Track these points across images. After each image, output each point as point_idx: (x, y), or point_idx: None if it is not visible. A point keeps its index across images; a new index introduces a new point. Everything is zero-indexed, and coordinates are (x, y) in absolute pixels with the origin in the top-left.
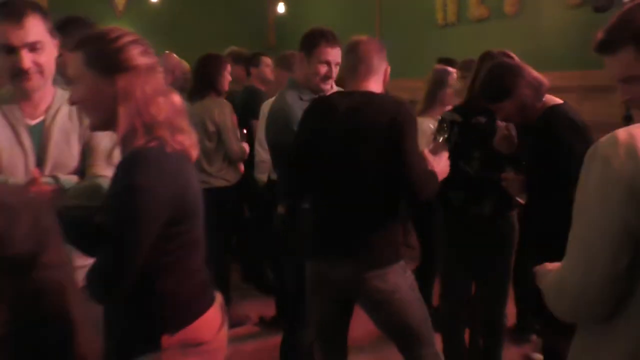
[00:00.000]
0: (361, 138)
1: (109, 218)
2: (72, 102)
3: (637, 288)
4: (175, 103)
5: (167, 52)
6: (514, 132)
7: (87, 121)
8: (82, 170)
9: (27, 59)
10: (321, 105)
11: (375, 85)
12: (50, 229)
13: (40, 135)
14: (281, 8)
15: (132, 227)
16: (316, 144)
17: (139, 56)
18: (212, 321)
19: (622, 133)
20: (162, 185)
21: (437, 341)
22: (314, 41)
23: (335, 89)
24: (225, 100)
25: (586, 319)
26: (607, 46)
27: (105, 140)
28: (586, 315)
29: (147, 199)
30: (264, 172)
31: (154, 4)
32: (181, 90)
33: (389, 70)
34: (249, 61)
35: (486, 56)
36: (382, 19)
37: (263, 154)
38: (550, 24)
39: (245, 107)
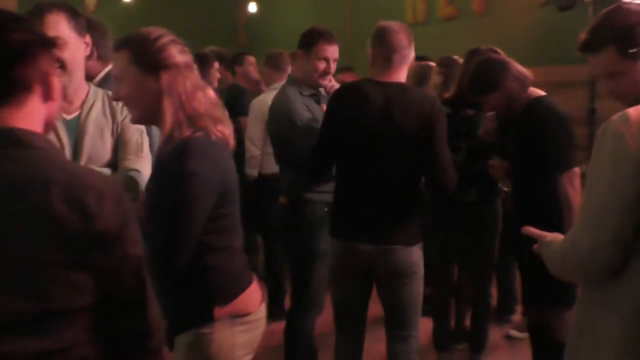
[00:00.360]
0: (395, 130)
1: (158, 202)
2: (116, 98)
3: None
4: (211, 96)
5: None
6: (494, 124)
7: (120, 116)
8: (114, 163)
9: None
10: (353, 93)
11: (404, 75)
12: (129, 208)
13: (76, 130)
14: (252, 8)
15: (187, 209)
16: (347, 131)
17: (178, 54)
18: (255, 294)
19: (633, 112)
20: (210, 171)
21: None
22: (312, 39)
23: (334, 83)
24: None
25: (594, 277)
26: (590, 46)
27: (136, 135)
28: (595, 272)
29: (199, 183)
30: (255, 167)
31: (125, 3)
32: None
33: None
34: (232, 60)
35: (474, 52)
36: (352, 18)
37: (253, 149)
38: (516, 22)
39: (232, 104)
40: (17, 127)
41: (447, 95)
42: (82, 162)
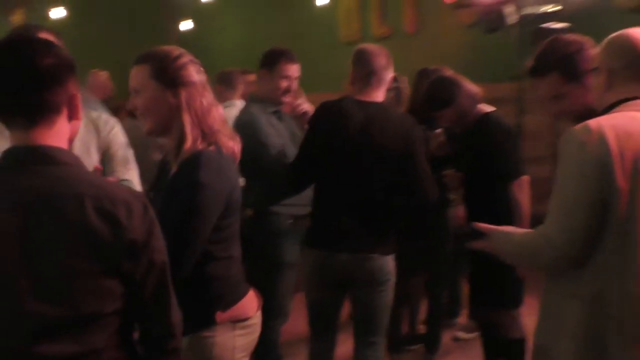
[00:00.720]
0: (375, 146)
1: (168, 211)
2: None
3: (601, 242)
4: (221, 114)
5: (94, 70)
6: (444, 138)
7: (103, 132)
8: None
9: None
10: (334, 111)
11: (382, 95)
12: (154, 218)
13: None
14: (187, 25)
15: (196, 219)
16: (329, 146)
17: (195, 73)
18: (252, 300)
19: (593, 123)
20: (219, 183)
21: None
22: (275, 59)
23: (304, 104)
24: None
25: (564, 269)
26: (536, 72)
27: (121, 148)
28: (567, 264)
29: (208, 194)
30: None
31: (54, 20)
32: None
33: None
34: None
35: (423, 72)
36: (288, 36)
37: None
38: (446, 42)
39: None
40: (48, 145)
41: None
42: None
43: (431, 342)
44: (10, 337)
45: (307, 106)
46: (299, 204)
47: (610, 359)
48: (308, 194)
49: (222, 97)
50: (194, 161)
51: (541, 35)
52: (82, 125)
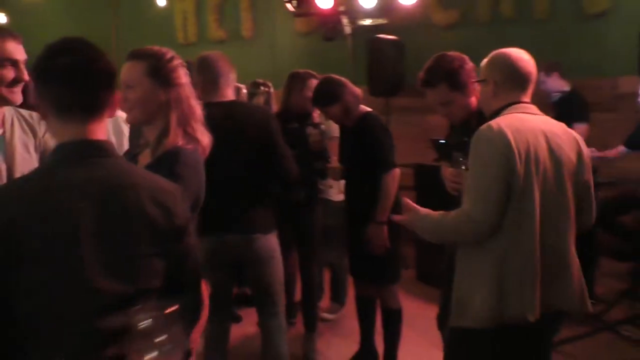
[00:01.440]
0: (238, 138)
1: None
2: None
3: (506, 214)
4: (201, 114)
5: None
6: (319, 136)
7: (40, 133)
8: None
9: (26, 72)
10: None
11: (231, 94)
12: (188, 207)
13: (4, 148)
14: (1, 19)
15: None
16: None
17: (184, 75)
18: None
19: (494, 124)
20: (195, 179)
21: None
22: None
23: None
24: None
25: (484, 238)
26: (428, 83)
27: None
28: (486, 234)
29: (185, 188)
30: None
31: None
32: None
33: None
34: None
35: (294, 75)
36: (118, 35)
37: None
38: (283, 48)
39: None
40: (101, 139)
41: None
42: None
43: (308, 321)
44: (79, 311)
45: None
46: None
47: (508, 299)
48: None
49: None
50: (175, 156)
51: (374, 45)
52: (17, 125)
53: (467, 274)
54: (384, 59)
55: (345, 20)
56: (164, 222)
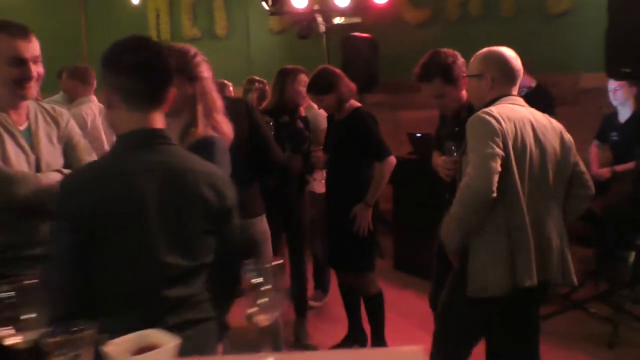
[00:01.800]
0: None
1: None
2: None
3: (501, 192)
4: (222, 105)
5: None
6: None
7: (63, 124)
8: (67, 165)
9: (34, 69)
10: None
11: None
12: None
13: (30, 139)
14: None
15: None
16: None
17: (207, 70)
18: None
19: (488, 110)
20: (227, 163)
21: None
22: None
23: None
24: None
25: (487, 205)
26: (424, 77)
27: (81, 138)
28: (488, 200)
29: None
30: None
31: None
32: None
33: None
34: None
35: (282, 72)
36: (89, 35)
37: None
38: (257, 45)
39: None
40: (161, 127)
41: (263, 106)
42: (43, 168)
43: (298, 306)
44: (148, 282)
45: None
46: None
47: (513, 265)
48: None
49: (76, 92)
50: (211, 144)
51: (348, 43)
52: (41, 118)
53: (482, 252)
54: (358, 57)
55: (319, 19)
56: (217, 203)
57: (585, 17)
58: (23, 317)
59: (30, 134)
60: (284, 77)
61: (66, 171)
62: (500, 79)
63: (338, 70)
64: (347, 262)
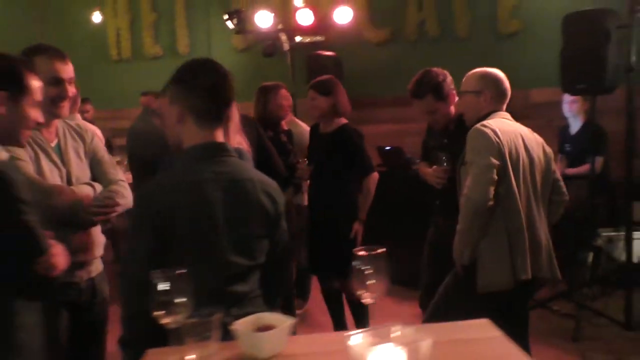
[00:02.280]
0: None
1: None
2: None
3: (499, 197)
4: (239, 122)
5: None
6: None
7: (88, 139)
8: (93, 178)
9: (70, 90)
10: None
11: None
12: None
13: (61, 155)
14: None
15: None
16: None
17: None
18: None
19: (485, 124)
20: None
21: None
22: None
23: None
24: None
25: (485, 212)
26: (417, 94)
27: (105, 153)
28: (485, 208)
29: None
30: None
31: None
32: None
33: None
34: None
35: (262, 89)
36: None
37: None
38: (222, 63)
39: None
40: (223, 141)
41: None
42: (74, 181)
43: (287, 310)
44: (214, 280)
45: None
46: None
47: (513, 262)
48: None
49: None
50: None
51: (313, 60)
52: (68, 135)
53: (487, 253)
54: (323, 73)
55: (283, 37)
56: (271, 209)
57: (534, 38)
58: (176, 301)
59: (60, 150)
60: (266, 93)
61: (96, 184)
62: (494, 97)
63: (343, 87)
64: (332, 268)
